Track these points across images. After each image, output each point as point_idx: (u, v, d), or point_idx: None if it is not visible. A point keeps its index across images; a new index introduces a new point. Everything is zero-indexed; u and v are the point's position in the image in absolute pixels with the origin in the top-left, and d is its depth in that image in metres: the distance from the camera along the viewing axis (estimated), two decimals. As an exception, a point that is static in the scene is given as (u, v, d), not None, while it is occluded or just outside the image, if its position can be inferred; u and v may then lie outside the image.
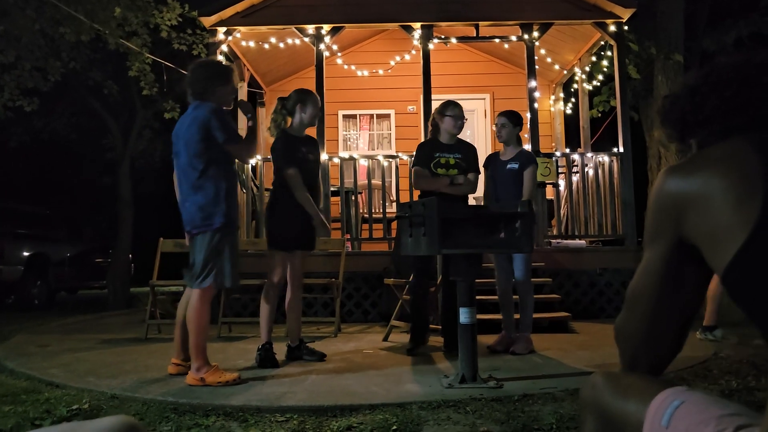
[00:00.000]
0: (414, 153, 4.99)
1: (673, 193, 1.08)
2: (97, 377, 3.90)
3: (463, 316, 3.57)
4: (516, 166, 4.72)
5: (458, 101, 5.00)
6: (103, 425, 0.88)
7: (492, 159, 4.97)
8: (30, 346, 5.39)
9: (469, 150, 4.85)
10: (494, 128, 4.94)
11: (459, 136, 4.87)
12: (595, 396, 1.19)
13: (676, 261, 1.11)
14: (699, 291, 1.14)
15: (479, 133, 9.70)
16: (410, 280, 4.94)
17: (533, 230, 4.68)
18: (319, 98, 4.50)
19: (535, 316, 4.94)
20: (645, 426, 1.04)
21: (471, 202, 6.38)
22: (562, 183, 7.89)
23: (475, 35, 7.67)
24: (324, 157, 6.73)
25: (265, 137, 9.50)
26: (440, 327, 4.95)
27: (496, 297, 5.86)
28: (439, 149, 4.80)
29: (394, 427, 2.76)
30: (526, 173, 4.70)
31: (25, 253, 10.06)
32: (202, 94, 3.81)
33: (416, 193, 5.45)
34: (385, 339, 5.39)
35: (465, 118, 4.88)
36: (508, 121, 4.81)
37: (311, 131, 4.67)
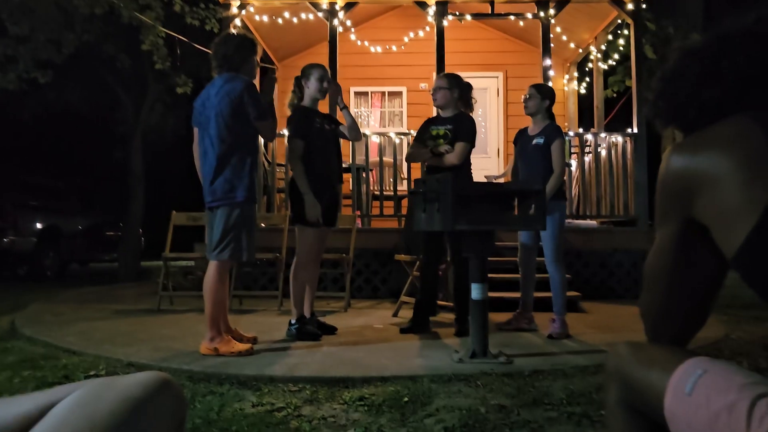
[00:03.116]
0: None
1: (680, 172, 1.08)
2: (112, 345, 3.96)
3: (475, 292, 3.59)
4: (542, 140, 4.57)
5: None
6: (138, 380, 0.90)
7: (520, 134, 4.84)
8: (46, 314, 5.47)
9: (462, 120, 4.69)
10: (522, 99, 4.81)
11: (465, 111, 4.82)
12: (620, 365, 1.21)
13: (688, 240, 1.11)
14: (715, 267, 1.14)
15: (491, 111, 9.66)
16: (420, 258, 4.94)
17: (564, 207, 4.67)
18: (322, 69, 4.45)
19: (544, 294, 4.96)
20: (667, 394, 1.05)
21: (480, 178, 6.36)
22: (574, 163, 7.86)
23: (490, 12, 7.61)
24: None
25: (277, 112, 9.49)
26: (452, 304, 4.97)
27: (507, 275, 5.91)
28: (435, 122, 4.79)
29: (406, 399, 2.80)
30: (554, 147, 4.54)
31: (38, 225, 10.16)
32: (237, 67, 3.86)
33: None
34: (395, 314, 5.43)
35: (445, 87, 4.69)
36: (536, 92, 4.66)
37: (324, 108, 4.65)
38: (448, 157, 4.58)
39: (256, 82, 4.31)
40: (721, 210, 1.01)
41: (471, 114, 4.86)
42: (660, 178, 1.13)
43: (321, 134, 4.36)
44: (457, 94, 4.73)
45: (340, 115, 4.73)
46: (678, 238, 1.12)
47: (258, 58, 4.02)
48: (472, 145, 4.69)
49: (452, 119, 4.71)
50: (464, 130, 4.64)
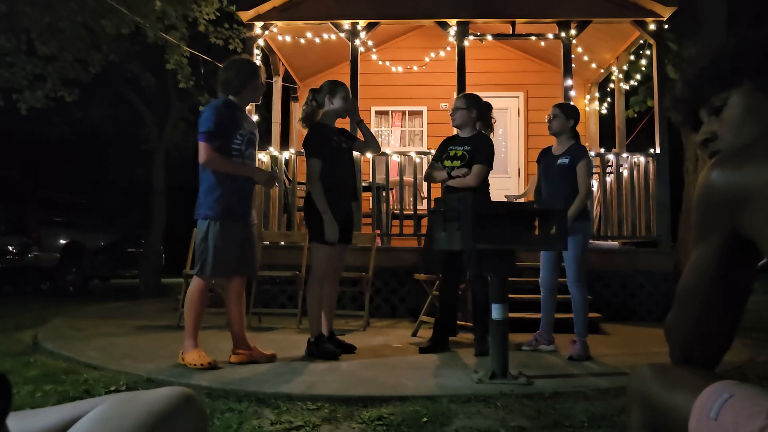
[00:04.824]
0: None
1: (725, 186, 1.07)
2: (133, 360, 3.99)
3: (495, 312, 3.56)
4: (566, 161, 4.53)
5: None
6: (161, 395, 0.91)
7: (544, 153, 4.79)
8: (68, 329, 5.52)
9: (480, 142, 4.68)
10: (546, 119, 4.78)
11: (482, 132, 4.80)
12: (643, 387, 1.19)
13: (728, 255, 1.10)
14: (749, 285, 1.13)
15: (512, 131, 9.65)
16: (440, 277, 4.93)
17: (588, 228, 4.62)
18: (349, 90, 4.50)
19: (565, 316, 4.90)
20: (692, 417, 1.03)
21: (500, 197, 6.34)
22: (595, 183, 7.80)
23: (511, 32, 7.63)
24: (356, 153, 6.76)
25: (298, 130, 9.58)
26: (471, 324, 4.93)
27: (527, 296, 5.86)
28: (454, 143, 4.79)
29: (425, 419, 2.78)
30: (580, 168, 4.50)
31: (62, 241, 10.31)
32: (237, 91, 3.95)
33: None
34: (414, 334, 5.40)
35: (463, 108, 4.70)
36: (561, 112, 4.63)
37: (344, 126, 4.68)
38: (465, 180, 4.58)
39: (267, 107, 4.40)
40: None
41: (491, 134, 4.87)
42: (700, 193, 1.12)
43: (338, 153, 4.37)
44: (475, 114, 4.73)
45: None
46: (720, 253, 1.10)
47: (261, 82, 4.07)
48: (490, 168, 4.69)
49: (470, 140, 4.71)
50: (482, 152, 4.64)
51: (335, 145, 4.37)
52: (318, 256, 4.31)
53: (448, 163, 4.69)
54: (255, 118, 7.54)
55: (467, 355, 4.48)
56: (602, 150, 8.08)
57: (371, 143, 4.61)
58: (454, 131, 4.93)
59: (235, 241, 3.90)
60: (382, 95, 9.49)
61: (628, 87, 8.89)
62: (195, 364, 3.71)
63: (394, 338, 5.27)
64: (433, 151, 7.29)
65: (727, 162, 1.09)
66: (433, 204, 4.92)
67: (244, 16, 7.50)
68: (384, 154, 7.46)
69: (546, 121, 4.73)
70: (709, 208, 1.10)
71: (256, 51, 7.59)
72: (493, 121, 4.90)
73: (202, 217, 3.85)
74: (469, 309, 5.25)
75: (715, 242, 1.10)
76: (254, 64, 4.13)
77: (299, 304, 5.93)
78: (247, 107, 4.41)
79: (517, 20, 7.46)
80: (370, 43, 8.20)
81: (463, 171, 4.59)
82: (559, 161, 4.57)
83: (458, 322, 5.44)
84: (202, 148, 3.81)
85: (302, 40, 8.18)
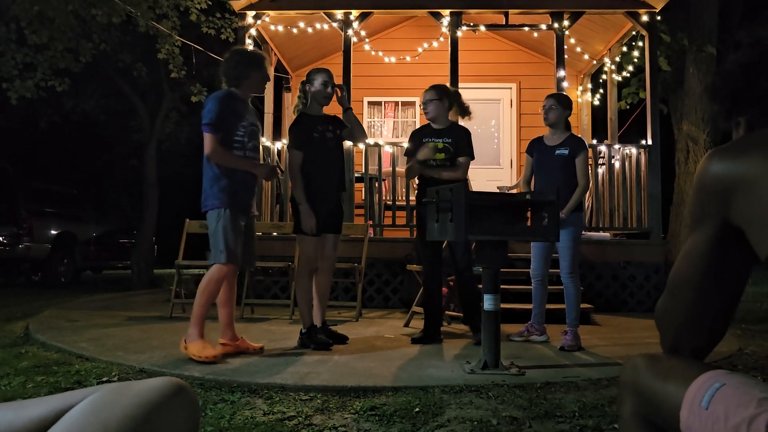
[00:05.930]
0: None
1: (719, 174, 1.08)
2: (125, 352, 3.98)
3: (488, 302, 3.57)
4: (566, 152, 4.51)
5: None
6: (153, 385, 0.91)
7: (536, 144, 4.74)
8: (59, 320, 5.50)
9: (461, 133, 4.67)
10: (541, 110, 4.69)
11: (457, 122, 4.78)
12: (635, 377, 1.19)
13: (721, 244, 1.10)
14: (742, 276, 1.13)
15: (504, 122, 9.65)
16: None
17: (582, 219, 4.62)
18: (327, 74, 4.41)
19: (556, 306, 4.93)
20: (683, 407, 1.04)
21: (493, 189, 6.35)
22: (587, 175, 7.82)
23: (504, 23, 7.62)
24: (348, 143, 6.73)
25: (290, 120, 9.57)
26: (461, 315, 4.94)
27: (519, 287, 5.88)
28: (428, 134, 4.71)
29: (417, 409, 2.79)
30: (579, 160, 4.49)
31: (53, 232, 10.25)
32: (237, 82, 3.92)
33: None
34: (407, 325, 5.41)
35: (435, 99, 4.67)
36: (557, 103, 4.60)
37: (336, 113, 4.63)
38: (454, 175, 4.55)
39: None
40: (758, 211, 1.00)
41: (469, 119, 4.87)
42: (697, 181, 1.13)
43: (322, 143, 4.34)
44: (447, 104, 4.73)
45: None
46: (713, 240, 1.11)
47: (263, 74, 4.04)
48: (473, 158, 4.71)
49: (448, 131, 4.68)
50: (464, 144, 4.65)
51: (318, 135, 4.33)
52: (303, 246, 4.33)
53: (431, 154, 4.64)
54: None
55: (459, 345, 4.50)
56: (594, 141, 8.09)
57: (356, 132, 4.55)
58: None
59: (242, 230, 3.91)
60: (375, 86, 9.46)
61: (620, 78, 8.90)
62: (200, 357, 3.64)
63: (387, 329, 5.28)
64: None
65: (722, 152, 1.10)
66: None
67: (236, 5, 7.45)
68: (377, 145, 7.44)
69: (542, 111, 4.66)
70: (703, 196, 1.11)
71: (248, 41, 7.54)
72: (466, 105, 4.87)
73: (210, 208, 3.83)
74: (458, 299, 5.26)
75: (709, 230, 1.11)
76: (254, 55, 4.08)
77: (291, 295, 5.93)
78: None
79: (510, 11, 7.45)
80: (362, 33, 8.16)
81: (454, 175, 4.56)
82: (558, 152, 4.55)
83: (451, 313, 5.46)
84: (207, 139, 3.79)
85: (294, 30, 8.14)
